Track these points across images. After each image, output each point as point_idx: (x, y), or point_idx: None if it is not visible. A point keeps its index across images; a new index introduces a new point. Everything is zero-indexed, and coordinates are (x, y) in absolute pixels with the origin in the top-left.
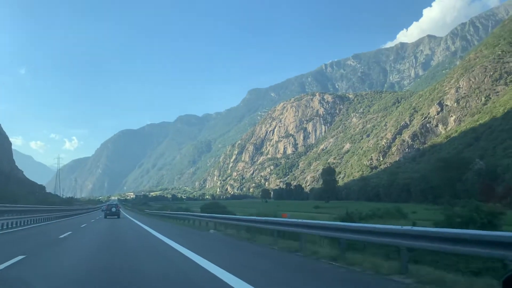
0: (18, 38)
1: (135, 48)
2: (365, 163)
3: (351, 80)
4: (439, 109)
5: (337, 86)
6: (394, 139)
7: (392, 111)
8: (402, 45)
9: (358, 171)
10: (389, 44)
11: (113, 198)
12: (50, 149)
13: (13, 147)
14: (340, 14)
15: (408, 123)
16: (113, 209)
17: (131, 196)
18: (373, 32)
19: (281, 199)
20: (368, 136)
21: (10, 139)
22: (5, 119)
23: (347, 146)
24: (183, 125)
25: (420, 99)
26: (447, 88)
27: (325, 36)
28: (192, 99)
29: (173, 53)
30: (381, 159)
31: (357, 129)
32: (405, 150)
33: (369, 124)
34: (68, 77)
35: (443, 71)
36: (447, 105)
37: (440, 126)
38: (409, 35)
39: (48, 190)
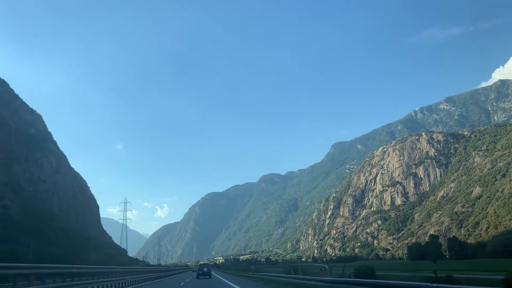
0: (114, 115)
1: (214, 114)
2: None
3: (447, 124)
4: None
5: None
6: None
7: None
8: (503, 82)
9: (510, 219)
10: (484, 84)
11: (201, 262)
12: (144, 217)
13: (111, 216)
14: (425, 57)
15: None
16: (205, 269)
17: (221, 260)
18: (463, 73)
19: (424, 259)
20: (503, 176)
21: (109, 209)
22: (104, 190)
23: (477, 190)
24: (267, 184)
25: None
26: None
27: (410, 82)
28: (274, 158)
29: (251, 115)
30: None
31: (485, 170)
32: None
33: (500, 162)
34: (158, 148)
35: None
36: None
37: None
38: (507, 72)
39: (139, 256)
